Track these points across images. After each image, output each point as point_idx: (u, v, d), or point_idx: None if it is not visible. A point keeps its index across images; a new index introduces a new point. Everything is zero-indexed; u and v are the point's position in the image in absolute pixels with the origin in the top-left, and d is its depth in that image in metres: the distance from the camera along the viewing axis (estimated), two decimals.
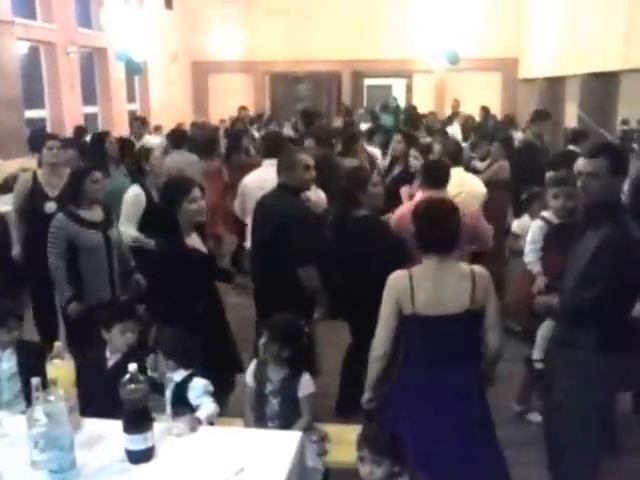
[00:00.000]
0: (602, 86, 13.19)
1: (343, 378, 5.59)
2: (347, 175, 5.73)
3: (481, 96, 19.31)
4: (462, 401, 3.80)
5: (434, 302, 3.72)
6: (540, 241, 5.03)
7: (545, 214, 5.17)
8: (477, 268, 3.79)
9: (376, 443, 3.15)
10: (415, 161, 7.27)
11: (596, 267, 3.76)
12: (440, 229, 3.76)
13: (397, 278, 3.83)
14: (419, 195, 5.59)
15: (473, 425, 3.84)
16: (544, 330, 4.55)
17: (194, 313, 4.68)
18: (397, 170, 7.88)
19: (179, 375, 3.97)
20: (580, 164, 3.90)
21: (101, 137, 8.80)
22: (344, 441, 4.16)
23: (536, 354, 4.62)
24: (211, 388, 3.96)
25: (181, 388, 3.94)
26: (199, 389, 3.90)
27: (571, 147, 9.75)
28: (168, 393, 4.04)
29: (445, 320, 3.71)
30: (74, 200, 5.51)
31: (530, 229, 5.16)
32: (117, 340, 4.21)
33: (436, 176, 5.61)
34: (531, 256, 5.07)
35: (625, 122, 15.17)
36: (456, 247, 3.83)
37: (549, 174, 5.93)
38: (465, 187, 6.31)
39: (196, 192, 4.97)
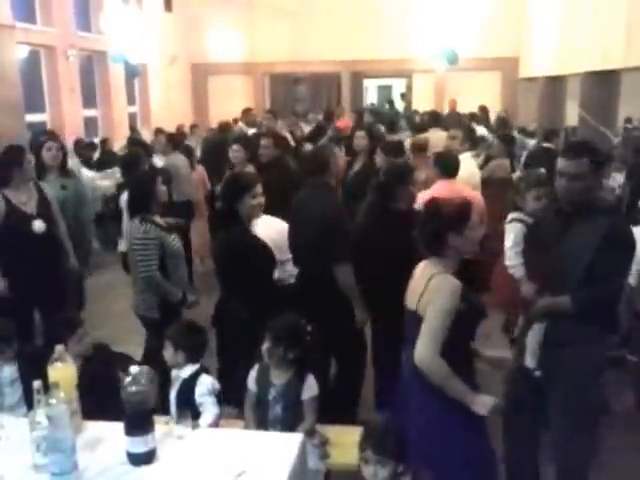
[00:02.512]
0: (603, 84, 13.18)
1: (379, 377, 5.63)
2: (390, 170, 5.70)
3: (481, 95, 19.31)
4: (422, 397, 3.72)
5: (407, 293, 3.83)
6: (521, 244, 4.79)
7: (519, 216, 4.97)
8: (438, 276, 3.62)
9: (380, 443, 3.13)
10: (379, 158, 7.63)
11: (609, 259, 3.76)
12: (419, 231, 3.80)
13: None
14: (436, 184, 6.18)
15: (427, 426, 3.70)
16: (537, 335, 4.34)
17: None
18: (358, 165, 8.10)
19: (187, 371, 4.03)
20: (562, 165, 3.93)
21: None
22: (345, 443, 4.17)
23: (531, 362, 4.39)
24: (218, 386, 4.00)
25: (188, 385, 3.99)
26: (205, 385, 3.95)
27: (545, 144, 9.91)
28: (173, 393, 4.06)
29: (409, 313, 3.77)
30: (146, 206, 5.24)
31: (509, 232, 4.92)
32: (74, 349, 4.21)
33: (445, 166, 6.44)
34: (515, 260, 4.82)
35: (628, 120, 15.15)
36: (434, 250, 3.73)
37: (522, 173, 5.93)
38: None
39: (259, 188, 5.00)
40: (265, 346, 4.00)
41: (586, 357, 3.94)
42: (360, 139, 8.29)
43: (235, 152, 7.92)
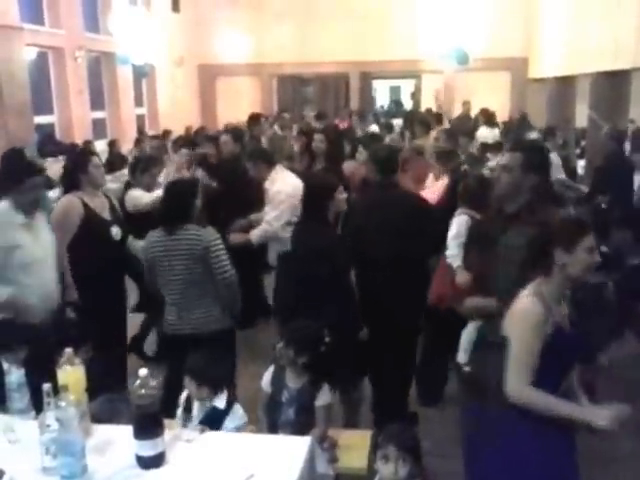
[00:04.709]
0: (613, 85, 13.12)
1: (422, 368, 5.75)
2: (477, 180, 5.78)
3: (490, 96, 19.27)
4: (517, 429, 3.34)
5: None
6: (464, 235, 5.04)
7: (467, 210, 5.23)
8: (525, 298, 3.26)
9: (404, 439, 3.15)
10: (361, 156, 7.95)
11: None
12: (528, 246, 3.46)
13: None
14: (442, 180, 6.33)
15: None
16: (470, 333, 4.47)
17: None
18: (319, 167, 8.26)
19: (222, 401, 3.82)
20: (501, 158, 4.03)
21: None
22: (353, 447, 4.18)
23: (462, 357, 4.52)
24: (246, 419, 3.87)
25: (221, 414, 3.79)
26: (238, 420, 3.79)
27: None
28: (196, 411, 3.88)
29: None
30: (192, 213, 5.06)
31: (454, 224, 5.19)
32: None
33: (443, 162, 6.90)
34: (454, 250, 5.08)
35: (631, 121, 15.08)
36: (539, 267, 3.33)
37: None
38: None
39: (341, 188, 5.15)
40: (278, 345, 4.06)
41: None
42: (318, 143, 8.39)
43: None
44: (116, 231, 5.68)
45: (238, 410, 3.82)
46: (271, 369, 4.18)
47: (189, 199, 5.05)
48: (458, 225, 5.14)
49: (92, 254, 5.45)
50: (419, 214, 5.17)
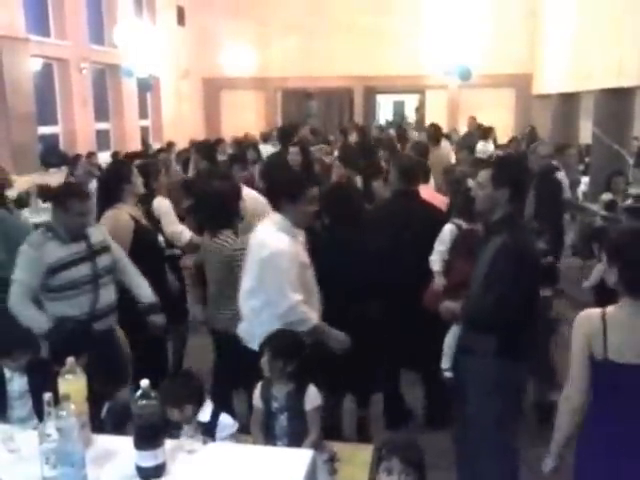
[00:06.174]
0: (617, 102, 13.14)
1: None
2: (463, 193, 5.91)
3: (495, 112, 19.30)
4: None
5: (629, 347, 3.08)
6: (447, 243, 5.29)
7: (456, 220, 5.43)
8: None
9: (408, 452, 3.12)
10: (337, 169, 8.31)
11: (493, 273, 3.90)
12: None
13: (588, 318, 3.18)
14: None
15: None
16: (450, 338, 4.57)
17: None
18: None
19: (206, 414, 3.79)
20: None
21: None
22: (354, 461, 4.16)
23: (444, 363, 4.61)
24: (237, 425, 3.85)
25: (209, 427, 3.75)
26: (227, 431, 3.76)
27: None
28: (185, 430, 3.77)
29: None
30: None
31: (442, 231, 5.39)
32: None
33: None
34: (434, 255, 5.33)
35: (635, 139, 15.09)
36: None
37: None
38: None
39: None
40: (264, 359, 4.03)
41: (482, 369, 4.01)
42: (294, 155, 8.41)
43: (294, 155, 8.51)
44: (161, 239, 5.72)
45: (226, 419, 3.82)
46: (259, 385, 4.17)
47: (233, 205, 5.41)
48: (444, 233, 5.36)
49: (146, 268, 5.15)
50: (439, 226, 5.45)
